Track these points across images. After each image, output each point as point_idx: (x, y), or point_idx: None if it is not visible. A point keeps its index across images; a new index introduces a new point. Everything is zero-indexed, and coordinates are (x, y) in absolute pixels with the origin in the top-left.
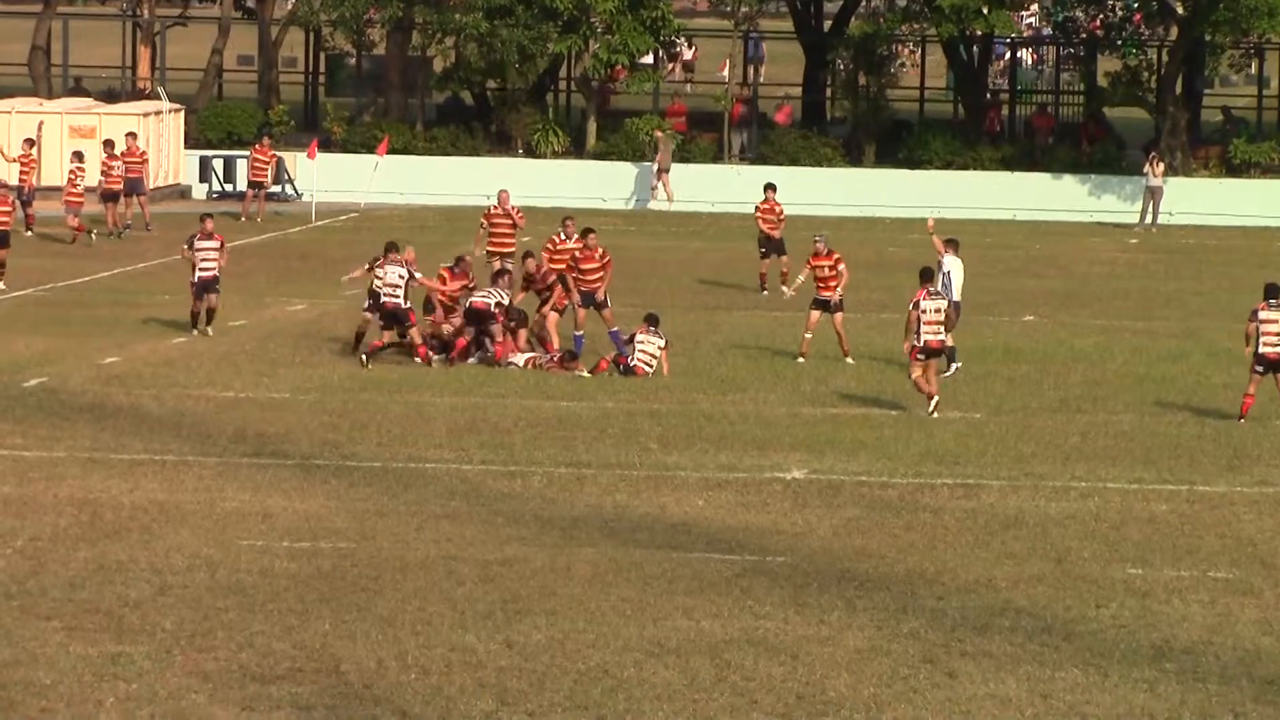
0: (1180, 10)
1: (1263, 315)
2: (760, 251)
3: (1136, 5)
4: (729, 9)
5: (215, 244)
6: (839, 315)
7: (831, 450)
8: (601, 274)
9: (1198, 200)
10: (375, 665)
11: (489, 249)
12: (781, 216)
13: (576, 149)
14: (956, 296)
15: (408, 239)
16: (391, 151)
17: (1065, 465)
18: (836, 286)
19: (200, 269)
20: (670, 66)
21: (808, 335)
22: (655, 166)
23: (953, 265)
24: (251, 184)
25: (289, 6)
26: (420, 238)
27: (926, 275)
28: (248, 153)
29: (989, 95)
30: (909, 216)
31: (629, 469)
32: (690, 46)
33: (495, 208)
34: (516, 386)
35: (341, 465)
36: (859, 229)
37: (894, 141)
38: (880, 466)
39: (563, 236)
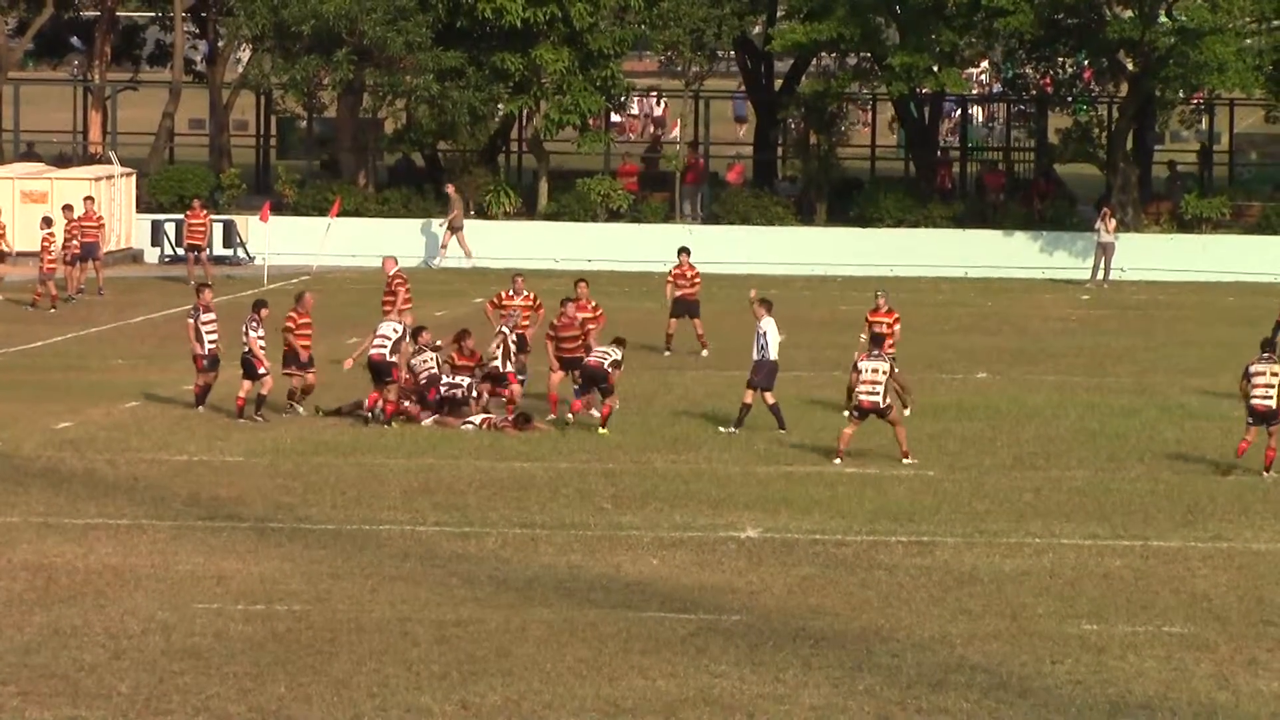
0: (1130, 66)
1: (1253, 369)
2: (671, 314)
3: (1087, 62)
4: (679, 69)
5: (214, 316)
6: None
7: (786, 508)
8: (594, 325)
9: (1149, 256)
10: None
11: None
12: (695, 280)
13: (528, 210)
14: (774, 356)
15: (359, 301)
16: (343, 213)
17: (1019, 522)
18: (892, 343)
19: (209, 342)
20: (632, 124)
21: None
22: (446, 224)
23: (768, 326)
24: (189, 248)
25: (240, 70)
26: (372, 300)
27: (876, 341)
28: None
29: (940, 153)
30: (861, 275)
31: (583, 529)
32: (659, 103)
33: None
34: (470, 448)
35: (296, 528)
36: (810, 288)
37: (845, 200)
38: (834, 524)
39: (510, 293)
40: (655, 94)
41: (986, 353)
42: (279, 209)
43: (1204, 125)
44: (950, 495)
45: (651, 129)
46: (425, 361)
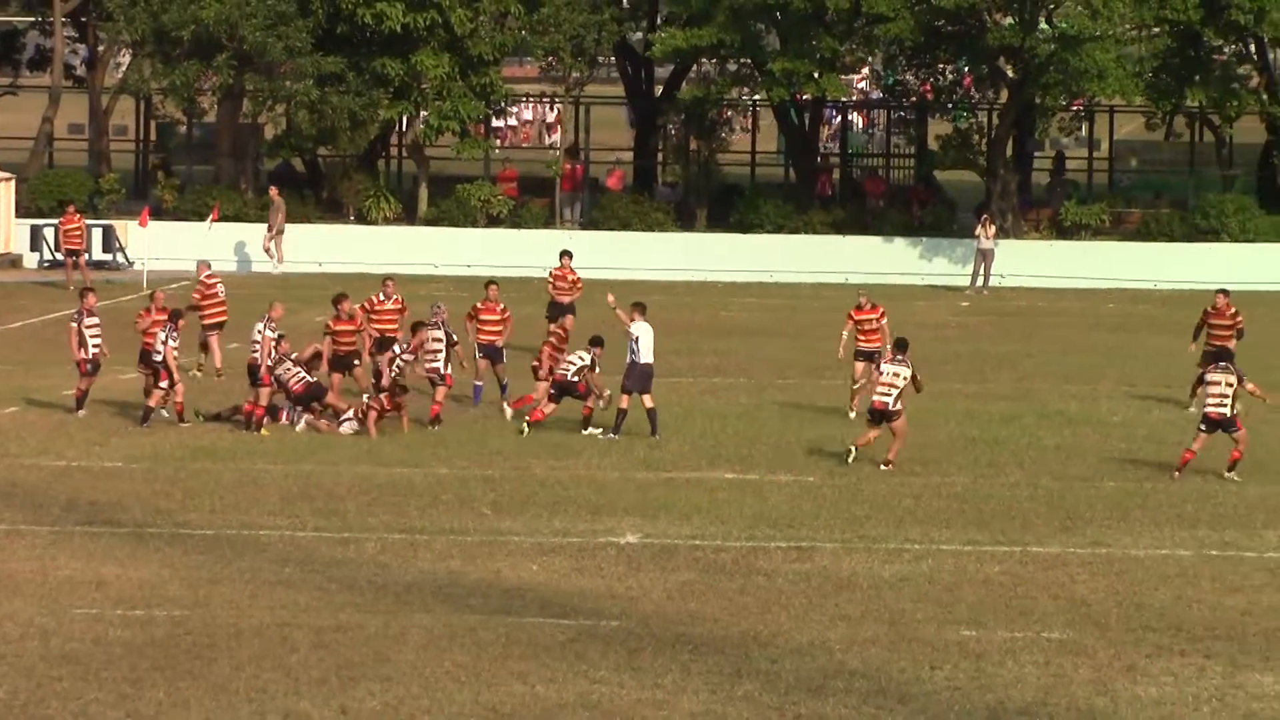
0: (1011, 73)
1: (1209, 378)
2: (547, 317)
3: (967, 68)
4: (559, 75)
5: (97, 320)
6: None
7: (665, 514)
8: (501, 327)
9: (1028, 263)
10: None
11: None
12: (576, 284)
13: (408, 215)
14: (647, 359)
15: (234, 307)
16: (223, 219)
17: (899, 527)
18: (880, 339)
19: (92, 346)
20: (525, 131)
21: (855, 387)
22: (267, 227)
23: (641, 330)
24: (67, 253)
25: (119, 75)
26: (253, 306)
27: (900, 345)
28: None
29: (820, 159)
30: (741, 280)
31: (463, 535)
32: (553, 109)
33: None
34: (349, 453)
35: (175, 533)
36: (691, 293)
37: (725, 206)
38: (714, 530)
39: (381, 298)
40: (547, 99)
41: None
42: (158, 214)
43: (1084, 132)
44: (829, 501)
45: (547, 134)
46: (289, 370)
